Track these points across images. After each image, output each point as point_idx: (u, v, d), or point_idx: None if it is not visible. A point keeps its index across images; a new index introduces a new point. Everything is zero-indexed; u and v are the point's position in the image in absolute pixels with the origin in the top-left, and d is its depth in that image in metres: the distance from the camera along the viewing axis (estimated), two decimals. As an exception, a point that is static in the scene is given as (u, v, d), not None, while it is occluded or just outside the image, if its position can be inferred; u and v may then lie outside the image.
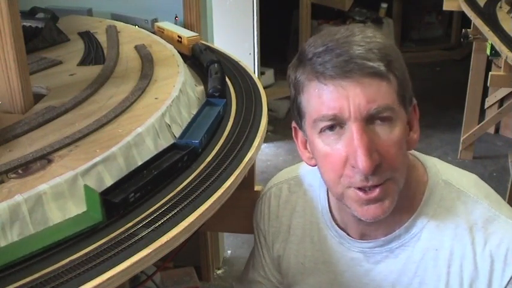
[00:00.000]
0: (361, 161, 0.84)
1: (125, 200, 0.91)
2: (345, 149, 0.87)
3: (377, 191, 0.88)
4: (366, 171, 0.84)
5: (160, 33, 1.78)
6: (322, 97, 0.87)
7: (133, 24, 1.93)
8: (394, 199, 0.90)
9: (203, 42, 1.72)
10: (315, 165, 0.96)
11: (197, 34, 1.69)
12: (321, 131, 0.89)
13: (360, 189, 0.88)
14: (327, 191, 1.05)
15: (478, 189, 0.98)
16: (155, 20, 1.96)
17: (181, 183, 1.00)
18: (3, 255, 0.80)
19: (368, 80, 0.85)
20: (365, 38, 0.87)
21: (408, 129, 0.93)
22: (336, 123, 0.87)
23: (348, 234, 1.01)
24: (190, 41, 1.62)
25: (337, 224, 1.03)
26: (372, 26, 4.11)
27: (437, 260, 0.95)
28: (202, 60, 1.52)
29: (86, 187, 0.92)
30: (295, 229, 1.08)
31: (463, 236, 0.94)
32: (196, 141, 1.09)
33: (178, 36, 1.67)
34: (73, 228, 0.86)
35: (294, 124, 0.99)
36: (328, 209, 1.04)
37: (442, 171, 0.99)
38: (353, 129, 0.85)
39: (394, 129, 0.87)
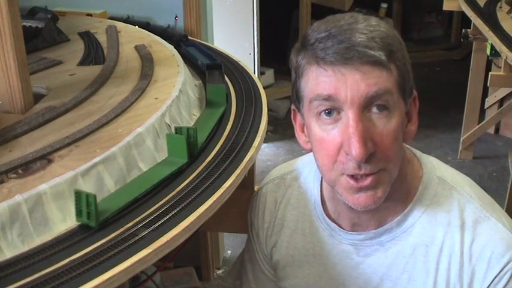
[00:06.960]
0: (355, 148, 0.84)
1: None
2: (340, 136, 0.87)
3: (369, 179, 0.87)
4: (358, 159, 0.84)
5: (63, 15, 1.84)
6: (319, 79, 0.87)
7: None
8: (386, 189, 0.90)
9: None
10: (310, 150, 0.96)
11: (104, 10, 1.80)
12: (318, 114, 0.89)
13: (351, 177, 0.88)
14: (321, 183, 1.05)
15: (472, 189, 0.98)
16: (46, 7, 1.93)
17: (182, 183, 1.00)
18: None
19: (368, 68, 0.84)
20: (368, 27, 0.87)
21: (406, 121, 0.93)
22: (332, 108, 0.87)
23: (340, 226, 1.01)
24: (102, 15, 1.70)
25: (329, 216, 1.03)
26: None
27: (427, 256, 0.95)
28: (135, 24, 1.83)
29: (211, 87, 1.32)
30: (289, 221, 1.08)
31: (454, 233, 0.94)
32: (219, 61, 1.49)
33: (88, 14, 1.72)
34: (214, 118, 1.22)
35: (293, 107, 0.99)
36: (320, 202, 1.04)
37: (437, 168, 1.00)
38: (349, 116, 0.85)
39: (391, 120, 0.87)
